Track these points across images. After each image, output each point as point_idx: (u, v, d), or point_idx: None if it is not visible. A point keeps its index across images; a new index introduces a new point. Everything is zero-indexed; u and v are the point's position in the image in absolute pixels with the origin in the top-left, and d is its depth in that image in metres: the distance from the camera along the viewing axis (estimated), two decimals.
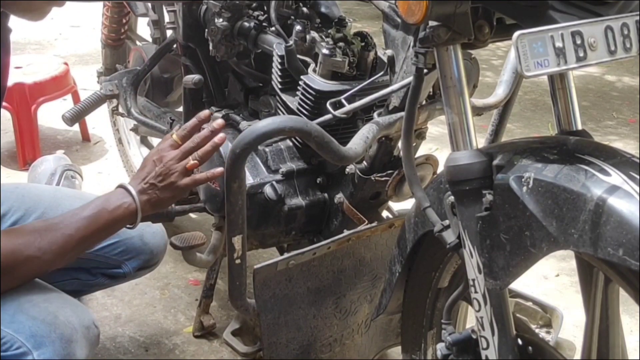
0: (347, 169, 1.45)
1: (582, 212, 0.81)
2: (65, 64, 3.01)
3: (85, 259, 1.48)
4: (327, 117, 1.32)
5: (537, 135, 1.19)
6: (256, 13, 1.65)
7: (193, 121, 1.30)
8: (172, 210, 1.43)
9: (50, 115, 3.16)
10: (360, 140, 1.26)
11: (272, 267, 1.30)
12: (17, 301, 1.17)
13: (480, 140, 1.01)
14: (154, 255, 1.56)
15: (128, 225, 1.27)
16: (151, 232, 1.56)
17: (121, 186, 1.27)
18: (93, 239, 1.26)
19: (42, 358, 1.12)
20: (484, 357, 1.01)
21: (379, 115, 1.34)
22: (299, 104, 1.45)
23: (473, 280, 0.98)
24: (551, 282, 2.18)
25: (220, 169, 1.29)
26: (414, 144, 1.37)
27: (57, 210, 1.47)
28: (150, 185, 1.26)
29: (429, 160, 1.44)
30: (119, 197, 1.25)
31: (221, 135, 1.32)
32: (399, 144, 1.32)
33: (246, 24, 1.64)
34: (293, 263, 1.32)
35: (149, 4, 2.12)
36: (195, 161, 1.27)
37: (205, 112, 1.31)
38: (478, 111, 1.38)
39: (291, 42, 1.46)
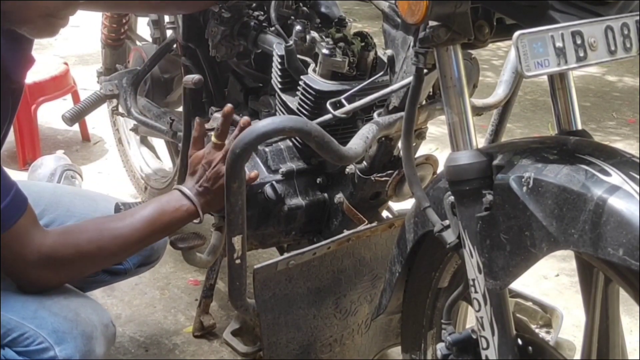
0: (347, 169, 1.45)
1: (582, 212, 0.81)
2: (65, 64, 3.01)
3: None
4: (327, 117, 1.32)
5: (537, 135, 1.19)
6: (256, 13, 1.65)
7: (221, 120, 1.35)
8: (196, 224, 1.43)
9: (50, 115, 3.17)
10: (360, 140, 1.26)
11: (272, 267, 1.30)
12: (39, 297, 1.20)
13: (480, 140, 1.01)
14: (154, 252, 1.57)
15: (194, 221, 1.35)
16: None
17: (178, 189, 1.34)
18: (151, 240, 1.34)
19: (63, 354, 1.15)
20: (484, 357, 1.01)
21: (379, 115, 1.33)
22: (299, 104, 1.45)
23: (473, 280, 0.98)
24: (551, 282, 2.18)
25: (255, 172, 1.39)
26: (414, 144, 1.37)
27: (58, 208, 1.49)
28: (205, 189, 1.33)
29: (429, 160, 1.44)
30: (177, 200, 1.33)
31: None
32: (399, 144, 1.32)
33: (246, 24, 1.64)
34: (293, 263, 1.32)
35: None
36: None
37: (227, 108, 1.36)
38: (478, 111, 1.37)
39: (291, 42, 1.46)
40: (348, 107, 1.31)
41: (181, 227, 1.34)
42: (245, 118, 1.35)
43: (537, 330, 1.32)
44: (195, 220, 1.34)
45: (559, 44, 0.84)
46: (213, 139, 1.35)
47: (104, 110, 2.43)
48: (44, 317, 1.17)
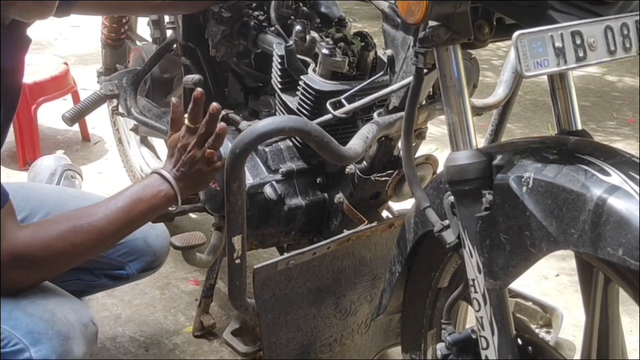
0: (347, 169, 1.45)
1: (582, 212, 0.81)
2: (65, 64, 3.01)
3: (89, 260, 1.48)
4: (327, 117, 1.32)
5: (537, 135, 1.19)
6: (256, 13, 1.65)
7: (192, 103, 1.31)
8: (172, 210, 1.43)
9: (50, 115, 3.16)
10: (360, 140, 1.26)
11: (272, 267, 1.30)
12: (15, 298, 1.17)
13: (480, 140, 1.01)
14: (157, 257, 1.57)
15: (170, 208, 1.30)
16: (155, 234, 1.56)
17: (157, 172, 1.30)
18: (128, 229, 1.28)
19: (39, 355, 1.12)
20: (483, 357, 1.01)
21: (379, 115, 1.34)
22: (299, 103, 1.45)
23: (473, 280, 0.98)
24: (551, 282, 2.18)
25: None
26: (414, 144, 1.37)
27: (63, 211, 1.47)
28: (182, 173, 1.30)
29: (429, 160, 1.44)
30: (155, 185, 1.28)
31: (221, 124, 1.34)
32: (399, 144, 1.32)
33: (246, 24, 1.64)
34: (293, 263, 1.32)
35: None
36: (211, 150, 1.30)
37: (197, 92, 1.32)
38: (478, 111, 1.38)
39: (291, 42, 1.46)
40: (348, 107, 1.31)
41: (160, 213, 1.30)
42: (214, 104, 1.31)
43: (537, 330, 1.32)
44: (171, 207, 1.30)
45: (558, 44, 0.84)
46: (186, 122, 1.32)
47: (104, 110, 2.43)
48: (18, 318, 1.14)
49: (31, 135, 2.83)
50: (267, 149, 1.50)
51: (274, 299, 1.34)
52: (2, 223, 1.13)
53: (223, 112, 1.67)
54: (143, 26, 2.33)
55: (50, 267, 1.21)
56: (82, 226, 1.21)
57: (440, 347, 1.13)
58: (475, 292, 0.98)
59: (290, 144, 1.53)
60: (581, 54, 0.86)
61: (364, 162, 1.44)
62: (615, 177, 0.83)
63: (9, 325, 1.13)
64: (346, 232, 1.38)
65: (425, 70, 1.06)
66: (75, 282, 1.50)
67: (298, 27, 1.50)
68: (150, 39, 2.25)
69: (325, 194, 1.52)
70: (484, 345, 1.00)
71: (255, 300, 1.31)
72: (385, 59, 1.32)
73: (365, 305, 1.48)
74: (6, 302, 1.15)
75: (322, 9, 1.65)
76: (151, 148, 2.59)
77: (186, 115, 1.32)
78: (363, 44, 1.44)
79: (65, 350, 1.15)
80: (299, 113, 1.44)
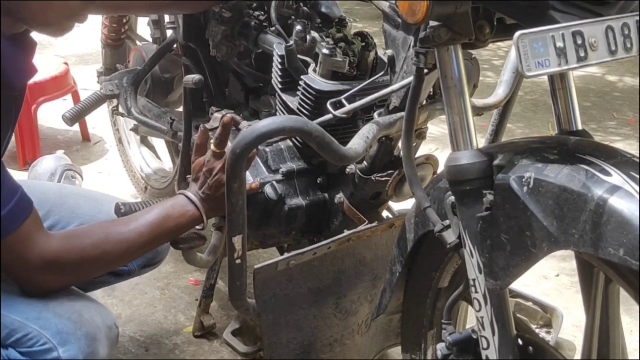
0: (347, 169, 1.45)
1: (583, 212, 0.81)
2: (65, 64, 3.01)
3: None
4: (327, 117, 1.32)
5: (537, 135, 1.19)
6: (256, 13, 1.65)
7: (220, 129, 1.35)
8: (198, 229, 1.43)
9: (50, 115, 3.17)
10: (361, 140, 1.26)
11: (272, 267, 1.30)
12: (43, 299, 1.20)
13: (480, 140, 1.01)
14: (158, 253, 1.57)
15: (197, 227, 1.36)
16: None
17: (183, 194, 1.35)
18: (155, 244, 1.34)
19: (67, 355, 1.15)
20: (484, 357, 1.01)
21: (379, 115, 1.33)
22: (299, 103, 1.45)
23: (473, 280, 0.98)
24: (551, 282, 2.18)
25: (257, 183, 1.42)
26: (414, 144, 1.37)
27: (62, 209, 1.49)
28: (207, 195, 1.34)
29: (429, 160, 1.44)
30: (182, 205, 1.33)
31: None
32: (399, 144, 1.32)
33: (246, 23, 1.64)
34: (293, 263, 1.32)
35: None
36: None
37: (227, 118, 1.37)
38: (478, 111, 1.37)
39: (291, 42, 1.46)
40: (348, 107, 1.30)
41: (185, 232, 1.35)
42: (228, 116, 1.35)
43: (537, 330, 1.32)
44: (198, 227, 1.36)
45: (559, 44, 0.84)
46: (212, 147, 1.35)
47: (104, 110, 2.43)
48: (47, 318, 1.17)
49: (31, 135, 2.83)
50: (267, 149, 1.50)
51: (275, 299, 1.34)
52: (32, 231, 1.17)
53: (223, 112, 1.67)
54: (143, 26, 2.33)
55: (80, 273, 1.26)
56: (114, 236, 1.27)
57: (441, 347, 1.13)
58: (476, 292, 0.98)
59: (291, 144, 1.53)
60: (582, 54, 0.86)
61: (365, 162, 1.44)
62: (616, 177, 0.83)
63: (38, 325, 1.16)
64: (346, 232, 1.38)
65: (425, 70, 1.06)
66: None
67: (298, 27, 1.50)
68: (150, 39, 2.25)
69: (326, 194, 1.52)
70: (485, 345, 1.00)
71: (255, 300, 1.31)
72: (385, 59, 1.32)
73: (365, 305, 1.48)
74: (35, 303, 1.19)
75: (323, 9, 1.65)
76: (151, 148, 2.59)
77: (212, 140, 1.36)
78: (363, 44, 1.44)
79: (92, 351, 1.18)
80: (299, 113, 1.44)
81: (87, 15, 1.18)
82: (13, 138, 2.77)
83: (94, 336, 1.19)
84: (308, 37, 1.49)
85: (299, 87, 1.45)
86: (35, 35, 1.23)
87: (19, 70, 1.18)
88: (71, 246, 1.22)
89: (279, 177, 1.48)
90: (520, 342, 1.03)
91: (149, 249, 1.34)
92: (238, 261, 1.24)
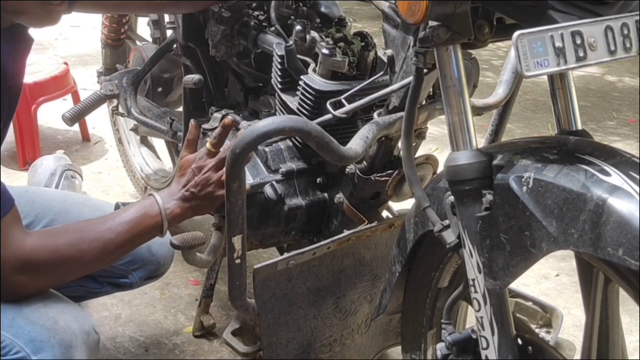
0: (347, 169, 1.45)
1: (582, 212, 0.81)
2: (65, 64, 3.01)
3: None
4: (327, 117, 1.32)
5: (537, 135, 1.19)
6: (256, 13, 1.65)
7: (219, 129, 1.34)
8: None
9: (50, 115, 3.17)
10: (360, 140, 1.26)
11: (272, 267, 1.30)
12: (17, 305, 1.16)
13: (480, 140, 1.01)
14: (160, 266, 1.56)
15: (159, 235, 1.31)
16: (159, 242, 1.54)
17: (152, 195, 1.31)
18: (133, 244, 1.29)
19: None
20: (483, 357, 1.01)
21: (379, 115, 1.33)
22: (299, 103, 1.45)
23: (473, 280, 0.98)
24: (551, 282, 2.18)
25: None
26: (414, 144, 1.37)
27: (67, 217, 1.47)
28: (191, 194, 1.32)
29: (429, 160, 1.44)
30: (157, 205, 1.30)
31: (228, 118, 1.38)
32: (399, 144, 1.32)
33: (246, 23, 1.64)
34: (293, 263, 1.32)
35: None
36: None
37: (228, 120, 1.36)
38: (478, 111, 1.37)
39: (291, 42, 1.46)
40: (348, 107, 1.30)
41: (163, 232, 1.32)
42: (229, 118, 1.34)
43: (537, 330, 1.32)
44: (159, 234, 1.31)
45: (558, 44, 0.84)
46: (208, 145, 1.34)
47: (104, 110, 2.43)
48: (20, 326, 1.13)
49: (31, 135, 2.83)
50: (267, 149, 1.50)
51: (274, 299, 1.34)
52: (8, 229, 1.13)
53: (223, 112, 1.67)
54: (143, 26, 2.33)
55: (55, 274, 1.22)
56: (90, 235, 1.23)
57: (441, 347, 1.13)
58: (475, 292, 0.98)
59: (290, 144, 1.53)
60: (581, 54, 0.86)
61: (364, 162, 1.44)
62: (616, 177, 0.83)
63: (11, 333, 1.12)
64: (346, 232, 1.38)
65: (425, 70, 1.06)
66: (77, 289, 1.50)
67: (298, 27, 1.50)
68: (150, 39, 2.25)
69: (325, 194, 1.52)
70: (484, 345, 1.00)
71: (255, 300, 1.31)
72: (385, 59, 1.31)
73: (365, 305, 1.48)
74: (8, 310, 1.15)
75: (322, 9, 1.65)
76: (151, 148, 2.60)
77: (208, 139, 1.35)
78: (363, 44, 1.44)
79: (67, 358, 1.15)
80: (299, 113, 1.44)
81: (65, 2, 1.15)
82: (13, 138, 2.79)
83: (69, 343, 1.15)
84: (308, 37, 1.49)
85: (298, 87, 1.45)
86: (35, 35, 1.22)
87: (11, 61, 1.16)
88: (45, 245, 1.19)
89: (278, 177, 1.48)
90: (520, 342, 1.03)
91: (128, 249, 1.30)
92: (238, 261, 1.24)
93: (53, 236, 1.22)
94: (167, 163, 2.50)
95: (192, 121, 1.41)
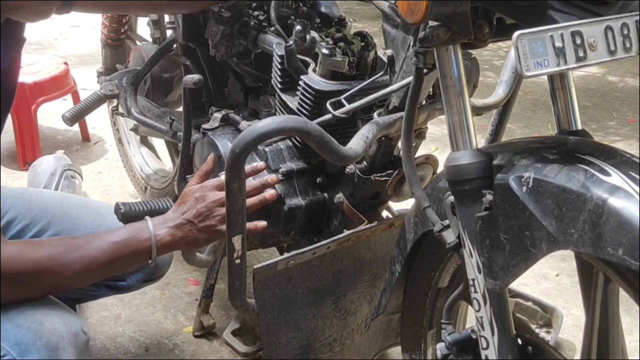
0: (347, 169, 1.45)
1: (582, 212, 0.81)
2: (65, 63, 3.01)
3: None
4: (327, 117, 1.32)
5: (537, 135, 1.19)
6: (256, 13, 1.65)
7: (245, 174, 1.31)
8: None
9: (50, 115, 3.17)
10: (360, 140, 1.26)
11: (272, 267, 1.30)
12: (3, 308, 1.15)
13: (480, 140, 1.01)
14: (158, 269, 1.56)
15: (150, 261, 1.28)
16: None
17: (145, 220, 1.28)
18: (118, 266, 1.27)
19: None
20: (483, 357, 1.01)
21: (379, 115, 1.33)
22: (299, 103, 1.45)
23: (473, 280, 0.98)
24: (551, 282, 2.18)
25: (262, 224, 1.34)
26: (414, 144, 1.37)
27: (64, 220, 1.46)
28: (189, 222, 1.28)
29: (429, 160, 1.44)
30: (145, 229, 1.26)
31: (272, 192, 1.36)
32: (399, 144, 1.32)
33: (246, 23, 1.64)
34: (293, 263, 1.32)
35: None
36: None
37: (261, 165, 1.36)
38: (478, 111, 1.37)
39: (291, 42, 1.46)
40: (348, 107, 1.30)
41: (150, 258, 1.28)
42: (274, 176, 1.33)
43: (537, 330, 1.32)
44: (147, 260, 1.27)
45: (558, 44, 0.84)
46: (222, 177, 1.28)
47: (104, 110, 2.43)
48: (6, 329, 1.12)
49: (31, 135, 2.83)
50: (267, 149, 1.50)
51: (274, 298, 1.34)
52: None
53: (223, 112, 1.67)
54: (143, 26, 2.33)
55: (32, 286, 1.18)
56: (74, 251, 1.20)
57: (440, 347, 1.13)
58: (475, 292, 0.98)
59: (290, 144, 1.53)
60: (581, 54, 0.86)
61: (364, 162, 1.44)
62: (616, 177, 0.83)
63: None
64: (346, 232, 1.38)
65: (425, 70, 1.06)
66: (75, 290, 1.50)
67: (298, 27, 1.50)
68: (150, 39, 2.25)
69: (325, 194, 1.52)
70: (484, 345, 1.00)
71: (255, 300, 1.31)
72: (385, 59, 1.31)
73: (365, 305, 1.48)
74: None
75: (322, 9, 1.65)
76: (151, 148, 2.60)
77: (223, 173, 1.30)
78: (363, 44, 1.44)
79: None
80: (299, 113, 1.44)
81: (63, 4, 1.14)
82: (13, 138, 2.79)
83: (56, 345, 1.14)
84: (308, 37, 1.49)
85: (298, 87, 1.45)
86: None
87: (4, 56, 1.15)
88: (25, 255, 1.16)
89: (278, 177, 1.48)
90: (519, 342, 1.03)
91: (112, 269, 1.27)
92: (238, 261, 1.24)
93: (33, 247, 1.20)
94: (167, 163, 2.50)
95: (212, 155, 1.38)
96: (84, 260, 1.20)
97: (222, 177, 1.28)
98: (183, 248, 1.32)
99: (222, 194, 1.27)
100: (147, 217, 1.29)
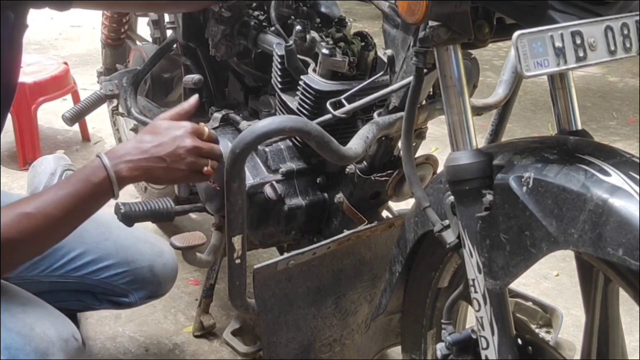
0: (347, 169, 1.45)
1: (582, 212, 0.81)
2: (65, 63, 3.01)
3: (93, 285, 1.47)
4: (327, 117, 1.32)
5: (537, 135, 1.19)
6: (256, 13, 1.65)
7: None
8: (172, 210, 1.43)
9: (50, 115, 3.17)
10: (360, 140, 1.26)
11: (272, 267, 1.30)
12: None
13: (480, 140, 1.01)
14: (161, 287, 1.55)
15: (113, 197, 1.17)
16: (162, 263, 1.54)
17: (98, 157, 1.17)
18: (81, 214, 1.17)
19: None
20: (483, 357, 1.01)
21: (379, 115, 1.33)
22: (299, 103, 1.45)
23: (473, 280, 0.98)
24: (551, 282, 2.18)
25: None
26: (414, 144, 1.37)
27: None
28: (159, 158, 1.18)
29: (429, 160, 1.44)
30: (98, 167, 1.16)
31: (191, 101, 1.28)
32: (399, 144, 1.32)
33: (246, 23, 1.64)
34: (293, 263, 1.32)
35: None
36: (211, 169, 1.22)
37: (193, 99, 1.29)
38: (478, 111, 1.38)
39: (291, 42, 1.46)
40: (348, 107, 1.30)
41: (108, 199, 1.18)
42: (193, 98, 1.24)
43: (537, 330, 1.32)
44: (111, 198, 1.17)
45: (558, 44, 0.84)
46: (205, 129, 1.24)
47: (104, 110, 2.43)
48: None
49: (31, 135, 2.83)
50: (267, 149, 1.50)
51: (274, 298, 1.34)
52: None
53: (223, 112, 1.67)
54: (143, 26, 2.33)
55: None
56: (28, 213, 1.09)
57: (440, 347, 1.13)
58: (475, 292, 0.98)
59: (290, 144, 1.53)
60: (581, 54, 0.86)
61: (364, 162, 1.44)
62: (616, 177, 0.83)
63: None
64: (346, 232, 1.38)
65: (425, 70, 1.06)
66: (76, 303, 1.50)
67: (298, 27, 1.50)
68: (150, 39, 2.25)
69: (325, 194, 1.52)
70: (484, 345, 1.00)
71: (255, 300, 1.31)
72: (385, 59, 1.31)
73: (365, 305, 1.48)
74: None
75: (322, 9, 1.65)
76: None
77: (202, 123, 1.26)
78: (363, 44, 1.44)
79: None
80: (299, 113, 1.44)
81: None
82: (13, 138, 2.79)
83: (45, 351, 1.13)
84: (308, 37, 1.49)
85: (298, 87, 1.45)
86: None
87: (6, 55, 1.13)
88: None
89: (278, 177, 1.48)
90: (519, 342, 1.03)
91: (78, 220, 1.16)
92: (238, 261, 1.24)
93: None
94: None
95: (195, 96, 1.30)
96: (40, 220, 1.10)
97: (202, 125, 1.23)
98: (143, 180, 1.22)
99: (201, 143, 1.21)
100: (100, 153, 1.18)
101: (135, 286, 1.50)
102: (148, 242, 1.56)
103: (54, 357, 1.14)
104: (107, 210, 1.28)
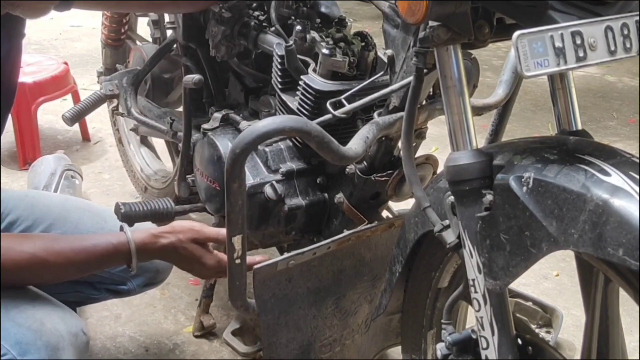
0: (347, 169, 1.45)
1: (582, 212, 0.81)
2: (65, 63, 3.01)
3: (91, 274, 1.48)
4: (327, 117, 1.32)
5: (537, 135, 1.19)
6: (256, 13, 1.65)
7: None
8: (172, 210, 1.43)
9: (50, 115, 3.17)
10: (360, 140, 1.26)
11: (272, 267, 1.30)
12: (4, 307, 1.15)
13: (480, 140, 1.01)
14: (159, 274, 1.56)
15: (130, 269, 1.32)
16: None
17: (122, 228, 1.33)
18: (89, 265, 1.29)
19: None
20: (483, 357, 1.01)
21: (379, 115, 1.33)
22: (299, 104, 1.45)
23: (473, 280, 0.98)
24: (551, 282, 2.18)
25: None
26: (414, 144, 1.37)
27: (66, 223, 1.47)
28: (170, 244, 1.33)
29: (429, 160, 1.44)
30: (120, 234, 1.30)
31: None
32: (399, 144, 1.32)
33: (246, 24, 1.64)
34: (293, 263, 1.32)
35: None
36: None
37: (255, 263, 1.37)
38: (478, 111, 1.37)
39: (291, 42, 1.46)
40: (348, 107, 1.30)
41: (115, 259, 1.32)
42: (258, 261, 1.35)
43: (537, 330, 1.32)
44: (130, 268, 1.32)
45: (558, 44, 0.84)
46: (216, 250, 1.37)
47: (104, 110, 2.43)
48: (7, 329, 1.12)
49: (31, 135, 2.83)
50: (267, 149, 1.50)
51: (274, 299, 1.34)
52: None
53: (223, 112, 1.67)
54: (143, 26, 2.33)
55: (13, 278, 1.19)
56: (54, 250, 1.22)
57: (441, 347, 1.13)
58: (475, 292, 0.98)
59: (290, 144, 1.53)
60: (581, 54, 0.86)
61: (364, 162, 1.44)
62: (616, 178, 0.83)
63: None
64: (346, 232, 1.38)
65: (425, 70, 1.06)
66: (75, 294, 1.50)
67: (298, 27, 1.50)
68: (150, 39, 2.25)
69: (325, 194, 1.52)
70: (484, 345, 1.00)
71: (255, 300, 1.31)
72: (385, 59, 1.31)
73: (365, 305, 1.48)
74: None
75: (322, 9, 1.65)
76: (151, 148, 2.59)
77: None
78: (363, 44, 1.44)
79: None
80: (299, 113, 1.44)
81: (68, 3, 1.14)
82: (13, 138, 2.79)
83: (56, 345, 1.15)
84: (308, 37, 1.49)
85: (298, 87, 1.45)
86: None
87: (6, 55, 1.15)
88: (12, 248, 1.17)
89: (278, 177, 1.48)
90: (520, 342, 1.03)
91: (88, 269, 1.31)
92: (238, 261, 1.24)
93: (23, 241, 1.22)
94: (167, 163, 2.50)
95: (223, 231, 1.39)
96: (61, 260, 1.22)
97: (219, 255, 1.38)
98: (159, 256, 1.36)
99: (217, 267, 1.37)
100: (124, 226, 1.34)
101: (132, 273, 1.51)
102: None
103: (64, 351, 1.16)
104: (98, 199, 1.36)
